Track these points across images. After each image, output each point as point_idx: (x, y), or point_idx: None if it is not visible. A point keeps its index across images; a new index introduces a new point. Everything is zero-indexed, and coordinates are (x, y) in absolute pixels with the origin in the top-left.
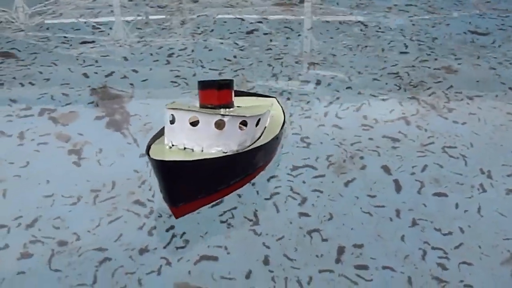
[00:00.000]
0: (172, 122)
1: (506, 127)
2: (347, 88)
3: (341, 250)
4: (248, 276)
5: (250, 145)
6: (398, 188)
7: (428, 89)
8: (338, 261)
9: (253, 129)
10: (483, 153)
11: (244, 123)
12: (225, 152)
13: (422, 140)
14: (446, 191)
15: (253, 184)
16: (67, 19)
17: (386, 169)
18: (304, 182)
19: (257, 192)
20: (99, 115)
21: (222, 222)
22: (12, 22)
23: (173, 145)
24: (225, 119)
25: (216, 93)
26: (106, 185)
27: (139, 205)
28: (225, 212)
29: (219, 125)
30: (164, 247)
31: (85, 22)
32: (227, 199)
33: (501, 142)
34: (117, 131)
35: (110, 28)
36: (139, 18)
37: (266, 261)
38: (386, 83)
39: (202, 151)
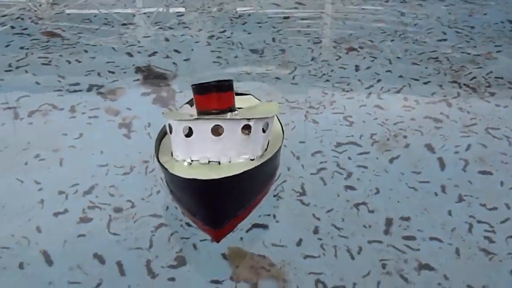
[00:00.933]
0: (188, 134)
1: None
2: (387, 71)
3: (388, 222)
4: (299, 243)
5: (267, 148)
6: (442, 165)
7: (468, 74)
8: (386, 232)
9: (270, 130)
10: None
11: (266, 125)
12: (252, 159)
13: (464, 121)
14: (491, 170)
15: (298, 158)
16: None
17: (429, 147)
18: (349, 158)
19: (302, 166)
20: (146, 92)
21: (271, 196)
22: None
23: (192, 161)
24: (251, 123)
25: (220, 96)
26: None
27: None
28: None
29: (246, 130)
30: None
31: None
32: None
33: None
34: (163, 107)
35: (152, 12)
36: (176, 1)
37: (315, 230)
38: (426, 67)
39: (230, 162)
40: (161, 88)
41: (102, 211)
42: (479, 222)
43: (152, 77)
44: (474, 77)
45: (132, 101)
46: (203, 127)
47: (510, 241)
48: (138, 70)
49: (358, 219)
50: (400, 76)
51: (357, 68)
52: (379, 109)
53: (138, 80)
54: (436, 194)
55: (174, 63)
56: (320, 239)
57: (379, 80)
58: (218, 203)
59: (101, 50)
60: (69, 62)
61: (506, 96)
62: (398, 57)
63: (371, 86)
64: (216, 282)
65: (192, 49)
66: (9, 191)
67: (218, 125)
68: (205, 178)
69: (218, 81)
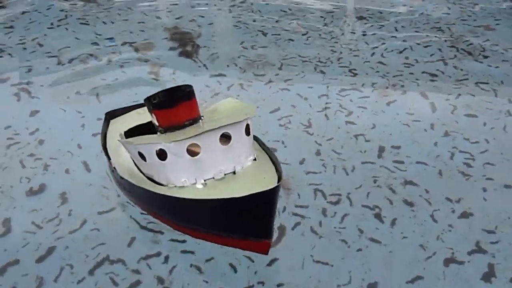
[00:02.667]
0: (194, 154)
1: None
2: (392, 37)
3: (381, 149)
4: (302, 162)
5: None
6: (433, 109)
7: (466, 41)
8: (379, 156)
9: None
10: None
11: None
12: (255, 159)
13: (457, 77)
14: (477, 113)
15: (306, 99)
16: None
17: (423, 95)
18: (351, 100)
19: (310, 106)
20: (173, 47)
21: (280, 125)
22: None
23: (205, 180)
24: (249, 121)
25: (192, 104)
26: None
27: None
28: (282, 117)
29: (247, 131)
30: None
31: None
32: (282, 107)
33: None
34: (188, 58)
35: None
36: None
37: (317, 153)
38: (427, 35)
39: (243, 167)
40: (186, 44)
41: None
42: (461, 151)
43: (179, 35)
44: (471, 44)
45: (161, 54)
46: (211, 139)
47: (486, 166)
48: (166, 29)
49: (355, 146)
50: (404, 41)
51: (364, 33)
52: (382, 64)
53: (166, 38)
54: (425, 130)
55: (198, 25)
56: (321, 160)
57: (383, 43)
58: (274, 211)
59: (133, 14)
60: (105, 23)
61: (498, 59)
62: (403, 26)
63: (376, 47)
64: None
65: (215, 15)
66: (55, 118)
67: (227, 133)
68: (256, 191)
69: (179, 89)
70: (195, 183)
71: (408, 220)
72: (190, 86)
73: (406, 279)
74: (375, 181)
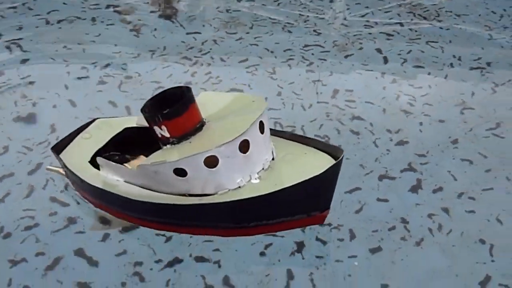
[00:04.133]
0: (245, 150)
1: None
2: (356, 4)
3: (335, 91)
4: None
5: None
6: (386, 61)
7: (424, 7)
8: (333, 97)
9: None
10: (459, 47)
11: None
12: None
13: (410, 36)
14: (423, 65)
15: (272, 52)
16: None
17: (379, 50)
18: (312, 54)
19: (275, 57)
20: (153, 10)
21: (247, 72)
22: None
23: (258, 174)
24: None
25: (195, 105)
26: (160, 48)
27: (186, 60)
28: (249, 66)
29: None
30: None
31: None
32: (250, 58)
33: (474, 40)
34: (167, 19)
35: None
36: None
37: (279, 94)
38: (389, 2)
39: (273, 159)
40: (166, 8)
41: (114, 78)
42: (405, 94)
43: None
44: (428, 10)
45: (142, 17)
46: (254, 131)
47: (425, 107)
48: None
49: (312, 89)
50: (366, 7)
51: (331, 0)
52: (344, 26)
53: (147, 2)
54: (376, 78)
55: None
56: (281, 99)
57: (348, 8)
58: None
59: None
60: None
61: (450, 22)
62: None
63: (340, 12)
64: None
65: None
66: (44, 66)
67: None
68: (320, 171)
69: (180, 91)
70: (250, 180)
71: (353, 146)
72: (188, 87)
73: (346, 189)
74: (327, 116)
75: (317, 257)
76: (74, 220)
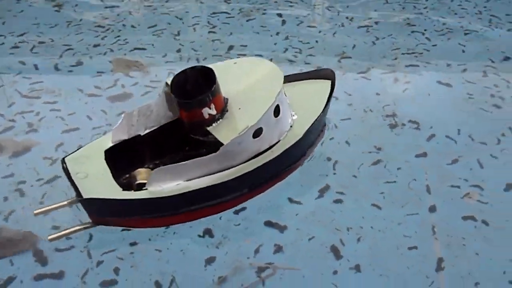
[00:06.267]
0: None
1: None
2: None
3: (230, 47)
4: (164, 56)
5: None
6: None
7: None
8: (227, 52)
9: None
10: None
11: None
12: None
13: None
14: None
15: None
16: None
17: (279, 15)
18: (218, 19)
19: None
20: None
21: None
22: None
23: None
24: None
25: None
26: (76, 19)
27: (100, 27)
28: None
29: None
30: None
31: None
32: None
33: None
34: None
35: None
36: None
37: (178, 51)
38: None
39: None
40: None
41: (28, 44)
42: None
43: None
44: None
45: None
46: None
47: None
48: None
49: (210, 45)
50: None
51: None
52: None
53: None
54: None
55: None
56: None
57: None
58: None
59: None
60: None
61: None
62: None
63: None
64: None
65: None
66: None
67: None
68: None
69: (205, 71)
70: (292, 116)
71: None
72: (209, 68)
73: None
74: None
75: None
76: None
